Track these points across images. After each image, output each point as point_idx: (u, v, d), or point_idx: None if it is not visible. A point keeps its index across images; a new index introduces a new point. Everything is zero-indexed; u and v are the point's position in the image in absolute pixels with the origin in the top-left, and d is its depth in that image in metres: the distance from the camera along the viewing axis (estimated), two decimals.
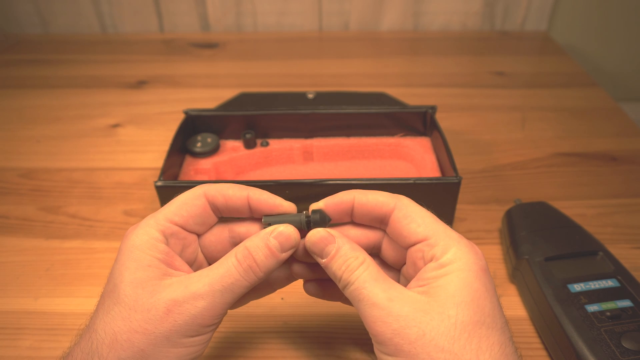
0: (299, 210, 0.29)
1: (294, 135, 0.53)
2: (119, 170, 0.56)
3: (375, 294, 0.25)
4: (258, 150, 0.51)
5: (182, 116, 0.52)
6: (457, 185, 0.42)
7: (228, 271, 0.26)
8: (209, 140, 0.51)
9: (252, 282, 0.27)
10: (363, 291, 0.25)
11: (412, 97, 0.67)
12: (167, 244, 0.28)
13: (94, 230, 0.48)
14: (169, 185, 0.42)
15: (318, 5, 0.87)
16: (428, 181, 0.42)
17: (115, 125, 0.64)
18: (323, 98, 0.55)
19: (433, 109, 0.51)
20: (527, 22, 0.89)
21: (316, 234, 0.28)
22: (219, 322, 0.27)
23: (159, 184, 0.42)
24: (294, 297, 0.41)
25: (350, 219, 0.30)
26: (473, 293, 0.25)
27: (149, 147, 0.60)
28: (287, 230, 0.28)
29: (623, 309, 0.34)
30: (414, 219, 0.28)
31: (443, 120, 0.59)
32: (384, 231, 0.30)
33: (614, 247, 0.41)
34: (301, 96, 0.55)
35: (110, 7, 0.88)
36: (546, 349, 0.36)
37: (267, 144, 0.52)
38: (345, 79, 0.74)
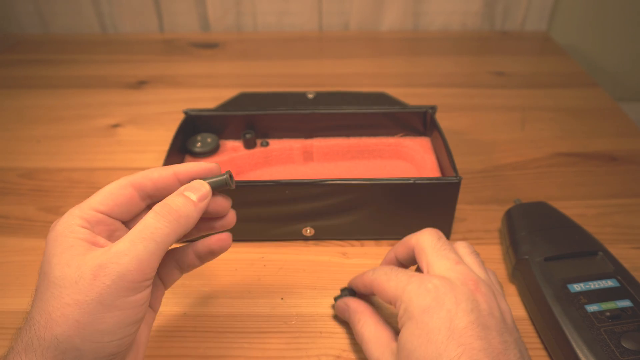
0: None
1: (294, 135, 0.53)
2: (119, 170, 0.56)
3: None
4: (258, 150, 0.51)
5: (182, 116, 0.52)
6: (457, 185, 0.42)
7: (145, 223, 0.27)
8: (209, 140, 0.51)
9: (175, 229, 0.27)
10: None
11: (412, 97, 0.67)
12: (92, 230, 0.28)
13: None
14: None
15: (318, 5, 0.87)
16: (428, 181, 0.42)
17: (115, 125, 0.64)
18: (323, 98, 0.55)
19: (433, 109, 0.51)
20: (527, 22, 0.89)
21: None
22: (152, 279, 0.27)
23: None
24: (294, 297, 0.41)
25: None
26: (414, 345, 0.27)
27: (149, 147, 0.60)
28: (197, 182, 0.29)
29: (623, 309, 0.34)
30: (384, 288, 0.32)
31: (443, 120, 0.59)
32: None
33: (613, 247, 0.41)
34: (301, 96, 0.55)
35: (110, 7, 0.88)
36: (546, 349, 0.36)
37: (267, 144, 0.52)
38: (345, 79, 0.74)
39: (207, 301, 0.40)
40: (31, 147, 0.60)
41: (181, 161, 0.49)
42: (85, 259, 0.25)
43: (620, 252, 0.41)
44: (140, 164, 0.57)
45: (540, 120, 0.64)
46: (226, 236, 0.32)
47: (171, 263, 0.32)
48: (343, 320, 0.38)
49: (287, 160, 0.52)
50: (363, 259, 0.44)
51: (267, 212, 0.44)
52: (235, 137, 0.53)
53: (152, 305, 0.31)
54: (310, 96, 0.55)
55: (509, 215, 0.45)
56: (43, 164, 0.57)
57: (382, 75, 0.76)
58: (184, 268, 0.32)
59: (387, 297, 0.31)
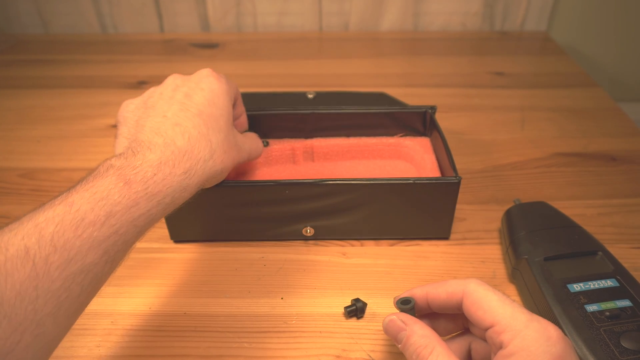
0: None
1: (294, 135, 0.53)
2: None
3: None
4: None
5: None
6: (456, 185, 0.42)
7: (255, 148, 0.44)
8: None
9: None
10: None
11: (412, 97, 0.67)
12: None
13: None
14: None
15: (318, 6, 0.87)
16: (428, 181, 0.42)
17: (116, 126, 0.64)
18: (323, 98, 0.55)
19: (433, 109, 0.51)
20: (526, 23, 0.89)
21: (387, 320, 0.30)
22: None
23: None
24: (293, 296, 0.41)
25: (429, 310, 0.32)
26: None
27: None
28: None
29: (622, 309, 0.34)
30: (480, 305, 0.28)
31: (443, 120, 0.59)
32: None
33: (613, 247, 0.41)
34: (301, 96, 0.55)
35: (110, 7, 0.88)
36: None
37: (267, 144, 0.52)
38: (345, 79, 0.74)
39: (207, 301, 0.40)
40: (31, 147, 0.60)
41: None
42: (236, 135, 0.40)
43: (620, 252, 0.41)
44: None
45: (540, 120, 0.64)
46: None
47: None
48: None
49: (287, 160, 0.52)
50: (363, 259, 0.44)
51: (267, 212, 0.44)
52: None
53: None
54: (310, 96, 0.55)
55: (508, 215, 0.45)
56: (43, 164, 0.57)
57: (382, 75, 0.76)
58: None
59: (484, 319, 0.28)
